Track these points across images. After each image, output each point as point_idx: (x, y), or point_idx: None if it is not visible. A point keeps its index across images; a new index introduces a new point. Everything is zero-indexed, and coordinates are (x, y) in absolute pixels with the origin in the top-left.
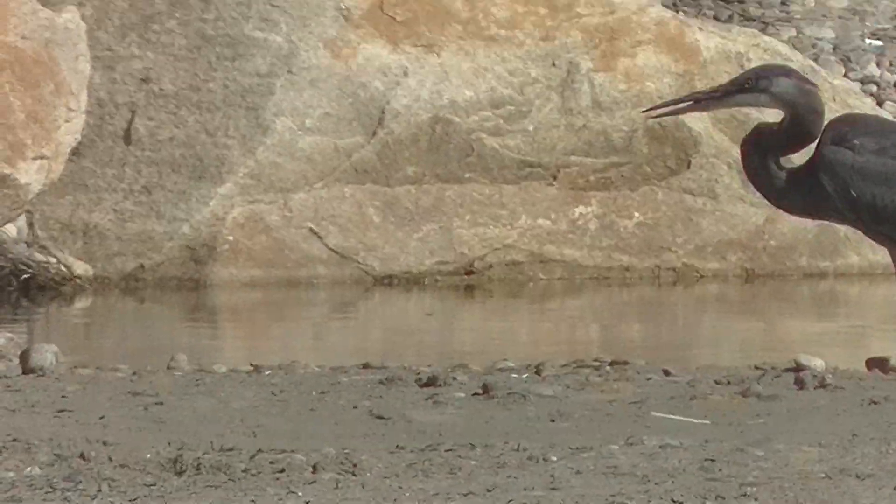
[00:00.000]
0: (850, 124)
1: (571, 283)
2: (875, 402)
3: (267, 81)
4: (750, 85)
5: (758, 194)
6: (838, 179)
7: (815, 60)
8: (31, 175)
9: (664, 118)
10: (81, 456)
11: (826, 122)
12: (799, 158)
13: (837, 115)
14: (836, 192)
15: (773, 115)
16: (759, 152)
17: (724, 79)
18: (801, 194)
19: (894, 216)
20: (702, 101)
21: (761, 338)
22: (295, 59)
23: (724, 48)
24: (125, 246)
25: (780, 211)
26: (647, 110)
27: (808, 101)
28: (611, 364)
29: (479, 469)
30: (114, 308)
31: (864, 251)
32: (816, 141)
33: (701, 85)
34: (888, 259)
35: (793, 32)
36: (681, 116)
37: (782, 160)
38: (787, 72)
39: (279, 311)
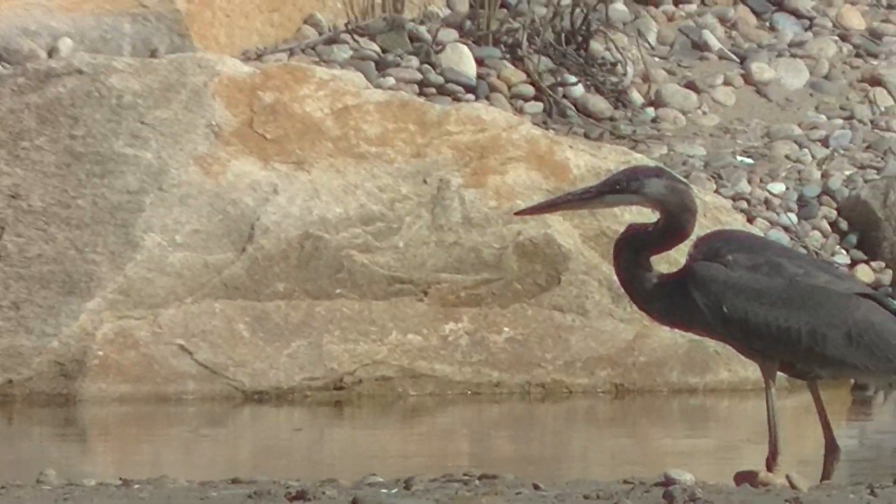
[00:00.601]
0: (723, 240)
1: (442, 399)
2: None
3: (137, 198)
4: (621, 186)
5: (628, 310)
6: (710, 295)
7: (687, 177)
8: None
9: (534, 235)
10: None
11: (697, 238)
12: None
13: (709, 230)
14: (708, 307)
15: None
16: (630, 253)
17: None
18: (669, 302)
19: (767, 332)
20: (573, 200)
21: (631, 452)
22: (165, 176)
23: (595, 165)
24: None
25: (650, 323)
26: (519, 212)
27: (680, 200)
28: (480, 478)
29: None
30: None
31: (735, 367)
32: (687, 255)
33: None
34: (758, 374)
35: (664, 150)
36: (551, 232)
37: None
38: (657, 172)
39: (148, 426)
